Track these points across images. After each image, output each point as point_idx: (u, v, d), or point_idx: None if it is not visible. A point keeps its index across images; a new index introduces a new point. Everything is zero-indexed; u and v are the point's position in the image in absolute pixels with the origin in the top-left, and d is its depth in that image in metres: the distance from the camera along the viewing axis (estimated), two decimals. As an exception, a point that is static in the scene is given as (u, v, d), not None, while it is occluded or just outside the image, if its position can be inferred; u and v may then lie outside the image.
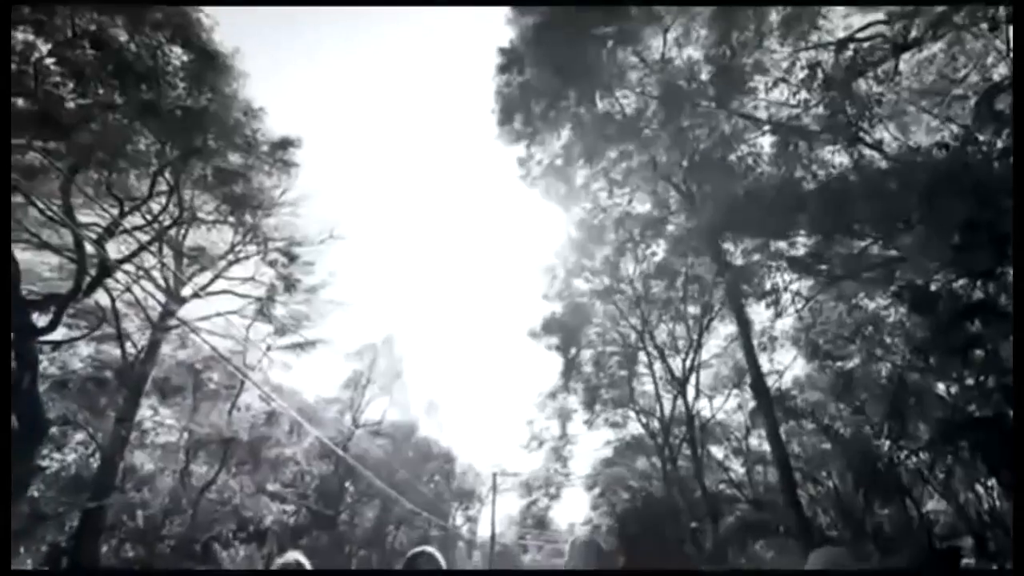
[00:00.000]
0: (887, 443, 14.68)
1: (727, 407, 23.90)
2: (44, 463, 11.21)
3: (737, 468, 26.86)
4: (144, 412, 17.73)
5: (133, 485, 17.62)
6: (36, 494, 12.68)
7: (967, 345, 9.97)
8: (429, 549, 2.89)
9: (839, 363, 16.01)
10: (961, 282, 10.19)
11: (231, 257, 16.47)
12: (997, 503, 15.36)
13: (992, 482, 14.51)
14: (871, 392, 13.58)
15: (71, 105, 11.15)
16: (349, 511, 29.54)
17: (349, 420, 27.71)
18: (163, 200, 12.65)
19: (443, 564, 2.83)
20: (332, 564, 25.99)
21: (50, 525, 13.72)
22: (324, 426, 24.33)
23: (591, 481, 28.41)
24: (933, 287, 10.00)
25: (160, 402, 19.30)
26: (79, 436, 18.19)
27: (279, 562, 2.80)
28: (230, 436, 17.71)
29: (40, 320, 10.48)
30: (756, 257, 11.33)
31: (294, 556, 2.83)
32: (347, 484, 27.49)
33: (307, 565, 2.81)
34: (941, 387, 12.73)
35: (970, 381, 11.30)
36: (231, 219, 14.15)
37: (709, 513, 19.29)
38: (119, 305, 15.02)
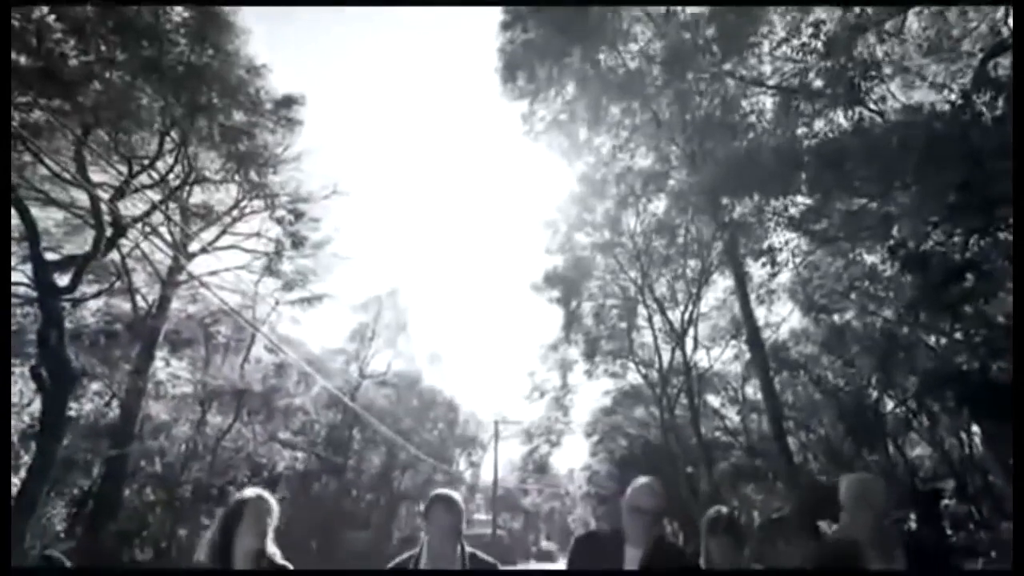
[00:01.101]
0: (876, 393, 15.26)
1: (724, 358, 24.55)
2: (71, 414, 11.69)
3: (733, 416, 27.75)
4: (157, 364, 18.27)
5: (151, 433, 18.33)
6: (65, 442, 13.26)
7: (956, 302, 10.30)
8: (452, 494, 2.89)
9: (834, 316, 16.42)
10: (955, 240, 10.45)
11: (236, 213, 16.66)
12: (978, 449, 16.05)
13: (975, 429, 15.12)
14: (862, 345, 14.04)
15: (73, 63, 11.14)
16: (356, 457, 30.55)
17: (355, 371, 28.41)
18: (170, 160, 12.75)
19: (463, 508, 2.85)
20: (341, 506, 27.13)
21: (78, 471, 14.39)
22: (331, 376, 25.03)
23: (590, 429, 29.38)
24: (927, 245, 10.25)
25: (171, 354, 19.86)
26: (95, 386, 18.80)
27: (245, 494, 2.80)
28: (243, 388, 18.31)
29: (60, 279, 10.80)
30: (755, 216, 11.51)
31: (255, 491, 2.84)
32: (354, 432, 28.37)
33: (268, 497, 2.81)
34: (931, 340, 13.13)
35: (958, 335, 11.70)
36: (237, 177, 14.26)
37: (704, 459, 20.07)
38: (128, 261, 15.33)
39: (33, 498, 9.36)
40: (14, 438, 11.61)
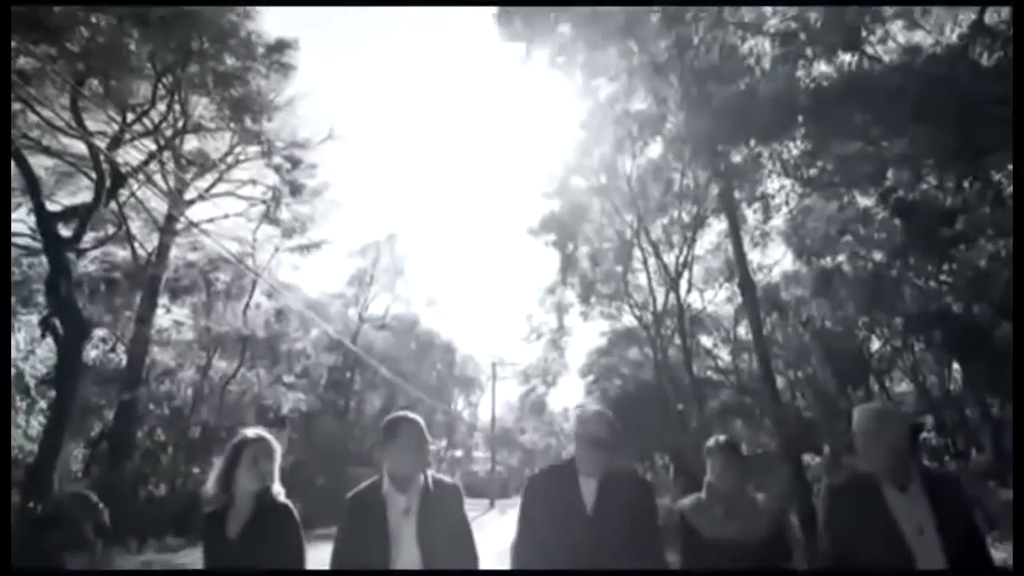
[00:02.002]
0: (862, 333, 15.75)
1: (718, 299, 25.00)
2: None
3: (724, 356, 28.49)
4: (160, 311, 18.58)
5: (157, 379, 18.83)
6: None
7: (945, 246, 10.58)
8: (410, 414, 2.83)
9: (825, 259, 16.72)
10: (948, 185, 10.63)
11: (231, 160, 16.56)
12: (956, 386, 16.72)
13: (956, 366, 15.73)
14: (851, 288, 14.40)
15: (58, 8, 10.85)
16: (357, 398, 31.36)
17: (354, 315, 28.82)
18: (163, 107, 12.59)
19: (424, 427, 2.78)
20: (344, 445, 28.04)
21: (92, 415, 14.88)
22: (330, 320, 25.45)
23: (586, 369, 30.11)
24: (919, 191, 10.43)
25: (172, 301, 20.14)
26: (99, 333, 19.12)
27: (247, 434, 2.80)
28: (247, 333, 18.68)
29: (64, 230, 10.90)
30: (751, 162, 11.58)
31: (257, 431, 2.84)
32: (354, 374, 29.03)
33: (270, 437, 2.82)
34: (918, 283, 13.48)
35: (944, 278, 12.06)
36: (232, 125, 14.11)
37: (695, 397, 20.78)
38: (125, 209, 15.33)
39: (56, 443, 9.82)
40: (31, 383, 11.98)
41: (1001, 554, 5.76)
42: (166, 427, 19.17)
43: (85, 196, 15.06)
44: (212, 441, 19.08)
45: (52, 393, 11.79)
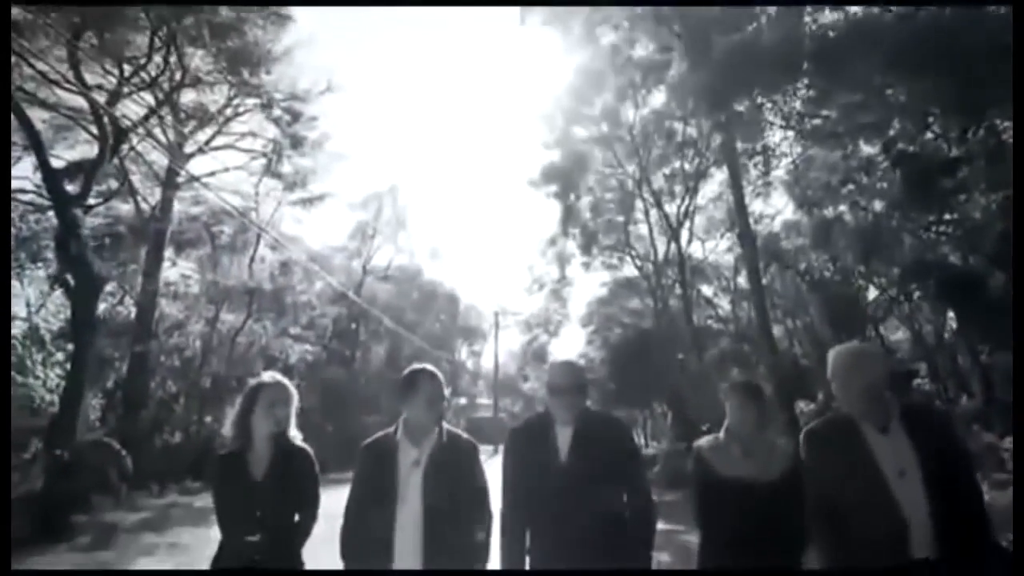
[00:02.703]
0: (859, 283, 15.94)
1: (719, 249, 25.13)
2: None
3: (724, 305, 28.81)
4: (166, 265, 18.77)
5: (167, 331, 19.20)
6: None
7: (943, 196, 10.64)
8: (430, 367, 2.83)
9: (826, 210, 16.73)
10: (951, 136, 10.59)
11: (230, 112, 16.41)
12: (950, 333, 17.01)
13: (950, 314, 15.96)
14: (850, 238, 14.48)
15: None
16: (363, 348, 31.89)
17: (358, 267, 29.02)
18: (160, 60, 12.41)
19: (442, 382, 2.81)
20: (350, 392, 28.71)
21: (107, 367, 15.28)
22: (334, 272, 25.69)
23: (587, 319, 30.50)
24: (921, 141, 10.41)
25: (177, 255, 20.32)
26: (107, 287, 19.38)
27: (263, 378, 2.84)
28: (254, 287, 18.94)
29: (70, 186, 10.97)
30: (754, 113, 11.49)
31: (272, 375, 2.87)
32: (359, 325, 29.45)
33: (285, 381, 2.83)
34: (916, 233, 13.55)
35: (942, 228, 12.13)
36: (230, 78, 13.93)
37: (695, 346, 21.19)
38: (126, 163, 15.30)
39: (77, 393, 10.22)
40: (46, 337, 12.31)
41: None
42: (177, 378, 19.66)
43: (83, 150, 15.03)
44: (223, 391, 19.61)
45: (69, 346, 12.13)
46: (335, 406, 25.88)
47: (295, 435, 2.81)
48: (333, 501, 2.91)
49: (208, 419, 20.04)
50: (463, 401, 44.99)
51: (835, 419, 2.58)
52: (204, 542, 8.75)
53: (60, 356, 12.36)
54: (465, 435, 2.89)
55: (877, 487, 2.32)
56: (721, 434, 2.87)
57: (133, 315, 18.31)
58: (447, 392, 2.88)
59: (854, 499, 2.37)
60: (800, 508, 2.68)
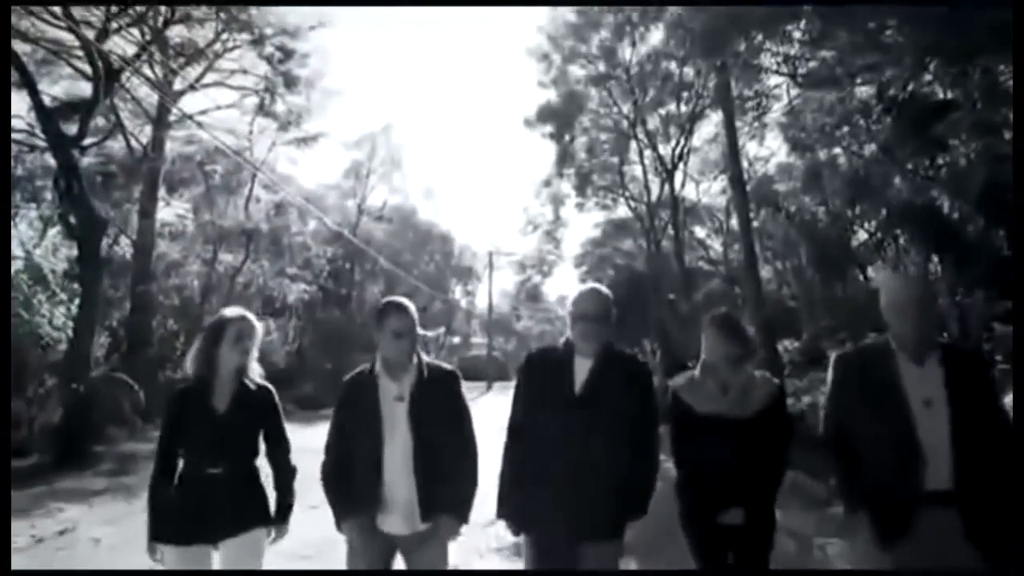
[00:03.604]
0: (848, 226, 16.24)
1: (712, 190, 25.23)
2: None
3: (716, 247, 29.17)
4: (160, 205, 18.76)
5: (165, 272, 19.41)
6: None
7: (934, 142, 10.80)
8: (400, 299, 2.80)
9: (820, 152, 16.79)
10: (946, 79, 10.63)
11: (219, 48, 16.06)
12: (934, 277, 17.42)
13: (935, 258, 16.34)
14: (841, 181, 14.68)
15: None
16: (358, 288, 32.26)
17: (352, 207, 29.03)
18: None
19: (414, 313, 2.73)
20: (346, 330, 29.21)
21: (111, 306, 15.52)
22: (329, 212, 25.75)
23: (580, 260, 30.82)
24: (914, 84, 10.46)
25: (170, 194, 20.25)
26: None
27: (228, 313, 2.83)
28: (251, 228, 19.06)
29: (65, 127, 10.93)
30: (751, 52, 11.41)
31: (238, 310, 2.86)
32: (354, 265, 29.69)
33: (251, 317, 2.81)
34: (905, 177, 13.74)
35: (931, 173, 12.33)
36: (221, 14, 13.57)
37: (685, 287, 21.66)
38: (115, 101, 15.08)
39: (89, 330, 10.60)
40: (49, 276, 12.51)
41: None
42: (178, 317, 20.02)
43: (66, 86, 14.75)
44: (223, 329, 20.04)
45: (73, 285, 12.38)
46: (332, 345, 26.46)
47: (259, 371, 2.82)
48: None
49: (210, 357, 20.55)
50: (457, 340, 45.83)
51: (871, 346, 2.57)
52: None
53: (64, 296, 12.61)
54: (446, 365, 2.88)
55: (901, 416, 2.28)
56: (697, 370, 2.84)
57: (130, 255, 18.48)
58: (422, 324, 2.78)
59: (876, 426, 2.35)
60: (778, 444, 2.72)
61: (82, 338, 10.47)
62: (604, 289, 2.77)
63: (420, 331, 2.74)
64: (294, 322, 24.84)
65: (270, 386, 2.83)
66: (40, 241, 15.31)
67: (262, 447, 2.83)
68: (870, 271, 20.47)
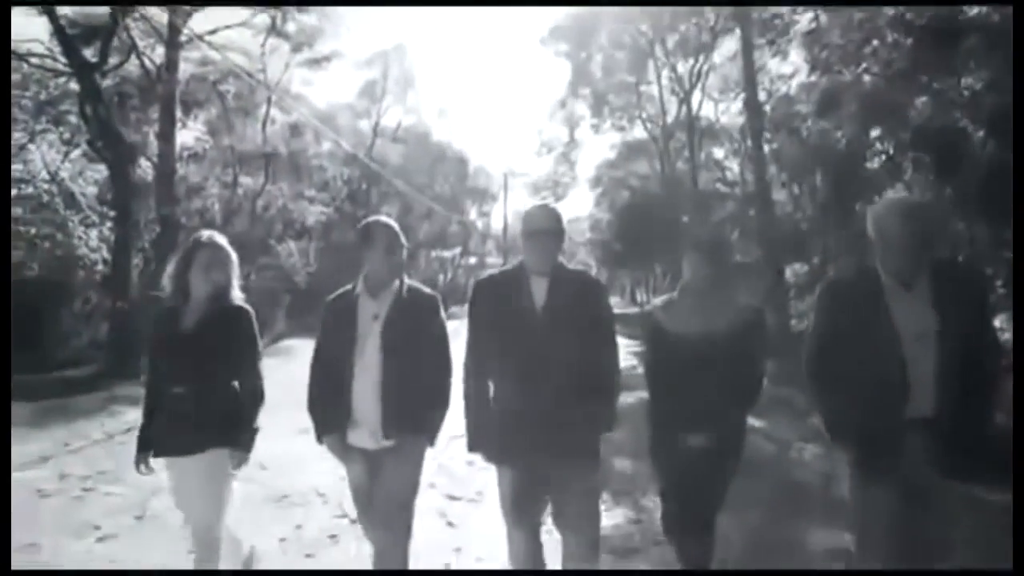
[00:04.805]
0: (864, 150, 16.01)
1: (732, 110, 24.69)
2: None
3: (734, 168, 28.83)
4: (177, 126, 18.92)
5: (187, 195, 19.85)
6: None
7: (956, 62, 10.59)
8: (384, 218, 2.84)
9: (842, 71, 16.31)
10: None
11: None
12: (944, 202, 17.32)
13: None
14: (860, 103, 14.39)
15: None
16: (374, 210, 32.56)
17: (367, 128, 28.89)
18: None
19: (399, 232, 2.77)
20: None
21: (143, 232, 16.02)
22: (342, 133, 25.73)
23: (595, 182, 30.79)
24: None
25: (186, 115, 20.34)
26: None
27: (201, 235, 2.83)
28: (270, 151, 19.28)
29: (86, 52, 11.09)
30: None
31: (208, 234, 2.84)
32: (371, 187, 29.87)
33: (223, 242, 2.80)
34: (923, 100, 13.49)
35: (951, 95, 12.09)
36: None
37: (699, 209, 21.72)
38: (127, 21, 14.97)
39: (127, 252, 11.31)
40: (81, 200, 13.00)
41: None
42: (201, 239, 20.67)
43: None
44: (245, 250, 20.62)
45: (103, 208, 12.93)
46: (350, 266, 27.05)
47: (237, 295, 2.80)
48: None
49: (235, 278, 21.31)
50: (473, 260, 46.36)
51: (859, 272, 2.50)
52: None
53: (95, 218, 13.19)
54: (427, 289, 2.91)
55: (887, 343, 2.26)
56: (676, 291, 2.86)
57: (150, 178, 18.87)
58: (404, 243, 2.80)
59: (863, 358, 2.32)
60: (750, 366, 2.71)
61: (120, 259, 11.16)
62: (553, 205, 2.79)
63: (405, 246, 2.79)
64: (313, 244, 25.46)
65: (248, 309, 2.80)
66: (62, 163, 15.66)
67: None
68: (887, 195, 20.34)
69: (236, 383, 2.79)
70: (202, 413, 2.64)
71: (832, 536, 3.90)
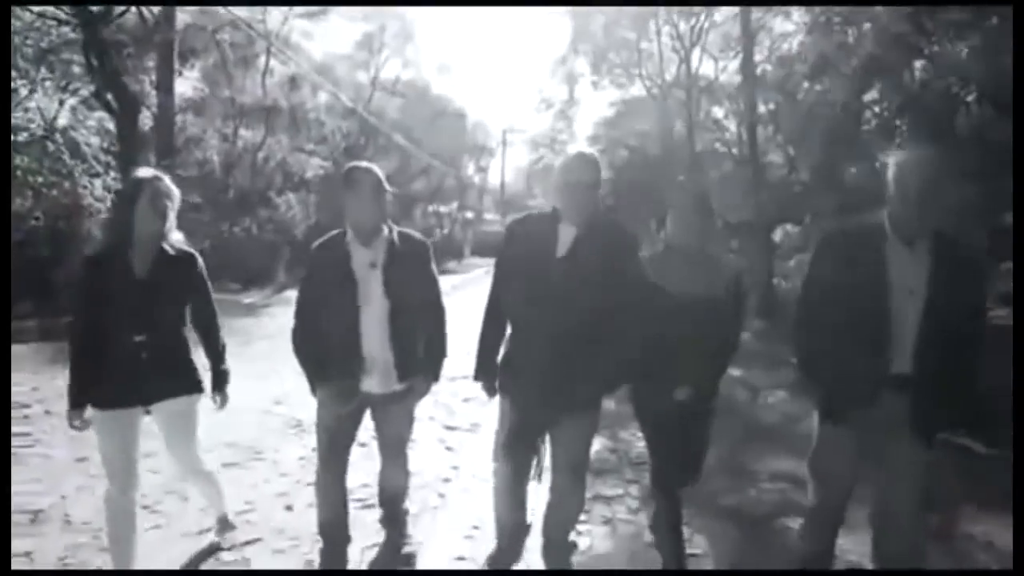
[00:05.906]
0: (861, 112, 16.14)
1: (731, 68, 24.52)
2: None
3: (733, 128, 28.74)
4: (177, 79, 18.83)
5: (185, 146, 19.90)
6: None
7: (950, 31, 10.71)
8: (365, 163, 2.78)
9: (845, 31, 16.27)
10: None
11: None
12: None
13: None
14: (858, 63, 14.47)
15: None
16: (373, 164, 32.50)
17: (365, 80, 28.63)
18: None
19: (382, 178, 2.71)
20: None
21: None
22: (340, 85, 25.56)
23: (593, 140, 30.70)
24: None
25: (183, 64, 20.19)
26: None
27: (141, 174, 2.65)
28: (269, 104, 19.27)
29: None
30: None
31: (149, 170, 2.68)
32: (368, 141, 29.77)
33: (166, 178, 2.67)
34: (920, 64, 13.60)
35: (950, 46, 12.21)
36: None
37: (695, 168, 21.90)
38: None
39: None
40: (86, 150, 13.16)
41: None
42: (202, 190, 20.80)
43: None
44: (245, 203, 20.83)
45: (107, 158, 13.13)
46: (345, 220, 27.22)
47: (178, 237, 2.71)
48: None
49: (236, 229, 21.54)
50: (470, 215, 46.42)
51: (861, 226, 2.45)
52: (261, 328, 10.61)
53: (99, 167, 13.35)
54: (417, 234, 2.94)
55: (877, 293, 2.27)
56: (660, 245, 2.91)
57: (149, 128, 18.87)
58: (388, 187, 2.76)
59: (850, 301, 2.32)
60: (729, 323, 2.79)
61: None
62: (594, 154, 2.65)
63: (389, 190, 2.76)
64: (312, 197, 25.58)
65: (194, 252, 2.76)
66: (58, 110, 15.66)
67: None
68: (884, 157, 20.48)
69: (193, 327, 2.79)
70: (170, 359, 2.64)
71: (791, 463, 4.44)
